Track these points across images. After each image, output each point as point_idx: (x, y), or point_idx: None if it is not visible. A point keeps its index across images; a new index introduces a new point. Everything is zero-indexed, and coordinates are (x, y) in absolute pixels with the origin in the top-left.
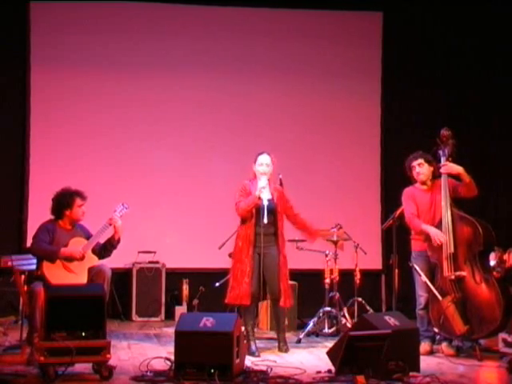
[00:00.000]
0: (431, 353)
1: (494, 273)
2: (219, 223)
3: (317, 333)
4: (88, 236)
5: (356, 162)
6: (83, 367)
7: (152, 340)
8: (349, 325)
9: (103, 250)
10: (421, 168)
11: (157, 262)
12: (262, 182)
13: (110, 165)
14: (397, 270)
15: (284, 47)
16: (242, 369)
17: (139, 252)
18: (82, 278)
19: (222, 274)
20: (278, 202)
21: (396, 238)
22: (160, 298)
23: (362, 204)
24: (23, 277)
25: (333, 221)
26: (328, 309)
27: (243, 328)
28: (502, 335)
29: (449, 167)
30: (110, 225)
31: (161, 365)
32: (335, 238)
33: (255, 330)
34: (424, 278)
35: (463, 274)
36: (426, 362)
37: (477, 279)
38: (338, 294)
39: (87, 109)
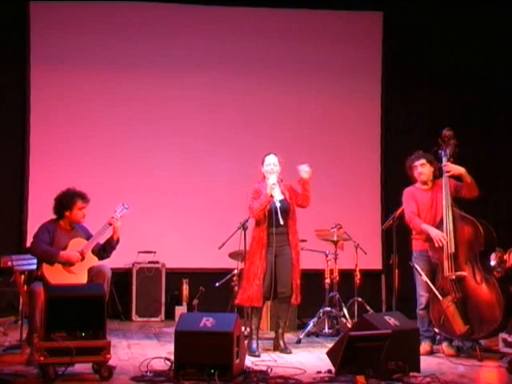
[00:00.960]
0: (431, 353)
1: (495, 273)
2: (219, 223)
3: (317, 333)
4: (88, 236)
5: (356, 162)
6: (83, 367)
7: (152, 340)
8: (349, 325)
9: (102, 251)
10: (423, 168)
11: (157, 262)
12: (272, 179)
13: (110, 164)
14: (397, 270)
15: (284, 47)
16: (242, 369)
17: (139, 252)
18: (81, 279)
19: (221, 273)
20: (291, 201)
21: (396, 238)
22: (160, 298)
23: (362, 204)
24: (23, 277)
25: (333, 221)
26: (328, 309)
27: (243, 328)
28: (503, 335)
29: (451, 167)
30: (110, 225)
31: (161, 365)
32: (335, 238)
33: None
34: (425, 277)
35: (464, 274)
36: (426, 362)
37: (477, 279)
38: (338, 294)
39: (87, 108)
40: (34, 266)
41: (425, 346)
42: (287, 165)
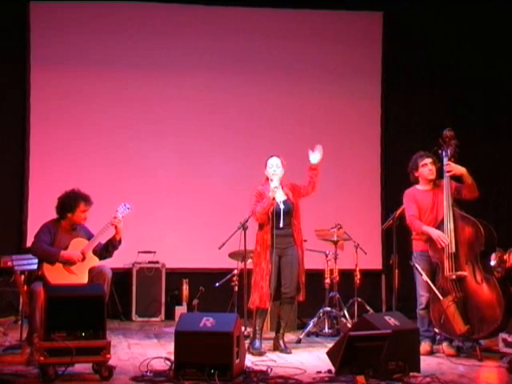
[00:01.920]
0: (431, 353)
1: (495, 273)
2: (219, 223)
3: (317, 333)
4: (89, 236)
5: (356, 162)
6: (83, 367)
7: (152, 340)
8: (349, 325)
9: (104, 251)
10: (432, 166)
11: (157, 262)
12: (274, 182)
13: (110, 165)
14: (397, 270)
15: (284, 47)
16: (242, 369)
17: (139, 252)
18: (82, 279)
19: (221, 273)
20: (294, 201)
21: (396, 238)
22: (160, 298)
23: (362, 204)
24: (23, 277)
25: (333, 221)
26: (328, 309)
27: (243, 328)
28: (503, 335)
29: (453, 167)
30: (112, 225)
31: (161, 365)
32: (335, 238)
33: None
34: (425, 277)
35: (464, 273)
36: (427, 362)
37: (478, 279)
38: (338, 294)
39: (87, 109)
40: (34, 266)
41: (425, 345)
42: (287, 164)
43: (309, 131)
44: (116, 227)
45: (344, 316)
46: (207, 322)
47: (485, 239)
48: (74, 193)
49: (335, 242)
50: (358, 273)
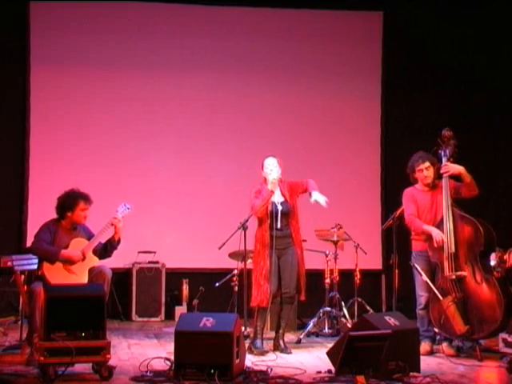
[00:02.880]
0: (431, 353)
1: (495, 273)
2: (219, 223)
3: (317, 333)
4: (90, 236)
5: (356, 162)
6: (83, 367)
7: (152, 340)
8: (349, 325)
9: (104, 251)
10: (428, 172)
11: (157, 262)
12: (273, 175)
13: (110, 165)
14: (397, 270)
15: (284, 47)
16: (242, 369)
17: (139, 252)
18: (82, 279)
19: (221, 273)
20: (291, 202)
21: (396, 238)
22: (160, 298)
23: (362, 204)
24: (23, 277)
25: (333, 221)
26: (328, 309)
27: (243, 328)
28: (503, 335)
29: (450, 167)
30: (112, 225)
31: (161, 365)
32: (335, 238)
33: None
34: (425, 277)
35: (464, 273)
36: (426, 362)
37: (477, 279)
38: (338, 294)
39: (87, 108)
40: (34, 266)
41: (425, 345)
42: (287, 164)
43: (309, 131)
44: (115, 227)
45: (344, 316)
46: (207, 321)
47: (484, 239)
48: (74, 192)
49: (335, 242)
50: (358, 273)
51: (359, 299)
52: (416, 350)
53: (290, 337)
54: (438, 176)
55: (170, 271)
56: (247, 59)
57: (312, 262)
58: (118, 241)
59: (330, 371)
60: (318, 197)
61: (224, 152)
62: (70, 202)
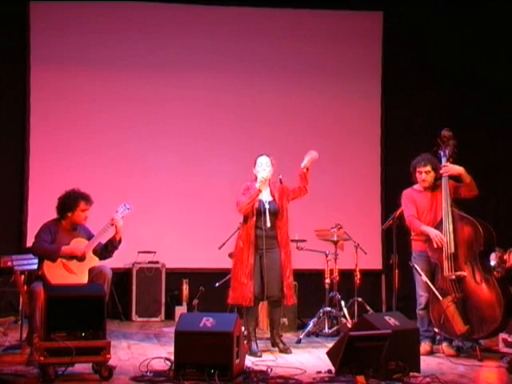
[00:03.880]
0: (431, 353)
1: (495, 273)
2: (219, 223)
3: (317, 333)
4: (90, 237)
5: (356, 162)
6: (83, 367)
7: (152, 340)
8: (349, 325)
9: (104, 251)
10: (427, 175)
11: (157, 262)
12: (262, 173)
13: (110, 165)
14: (397, 270)
15: (284, 47)
16: (242, 369)
17: (139, 252)
18: (82, 279)
19: (221, 273)
20: (280, 203)
21: (396, 237)
22: (160, 298)
23: (362, 204)
24: (23, 277)
25: (333, 221)
26: (328, 309)
27: (243, 328)
28: (502, 335)
29: (449, 168)
30: (112, 225)
31: (161, 365)
32: (335, 238)
33: (256, 330)
34: (424, 277)
35: (464, 274)
36: (426, 362)
37: (477, 279)
38: (338, 294)
39: (87, 109)
40: (34, 266)
41: (425, 346)
42: (287, 165)
43: (309, 131)
44: (116, 227)
45: (344, 316)
46: (207, 322)
47: (484, 239)
48: (74, 192)
49: (335, 242)
50: (358, 273)
51: (359, 299)
52: (416, 350)
53: (290, 337)
54: (438, 177)
55: (170, 271)
56: (247, 59)
57: (312, 261)
58: (119, 241)
59: (330, 371)
60: (305, 159)
61: (224, 152)
62: (70, 202)
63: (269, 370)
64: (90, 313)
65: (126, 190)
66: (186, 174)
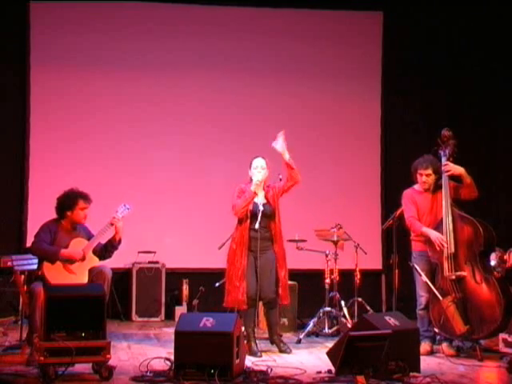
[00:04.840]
0: (431, 353)
1: (495, 273)
2: (219, 223)
3: (317, 333)
4: (90, 237)
5: (356, 162)
6: (83, 367)
7: (152, 340)
8: (349, 325)
9: (104, 251)
10: (428, 178)
11: (157, 262)
12: (258, 176)
13: (110, 165)
14: (397, 270)
15: (284, 47)
16: (242, 369)
17: (139, 252)
18: (82, 279)
19: (221, 274)
20: (274, 205)
21: (396, 237)
22: (160, 298)
23: (362, 204)
24: (23, 277)
25: (333, 221)
26: (328, 309)
27: (243, 329)
28: (503, 335)
29: (451, 167)
30: (112, 225)
31: (161, 365)
32: (335, 238)
33: (255, 330)
34: (424, 278)
35: (464, 274)
36: (427, 362)
37: (477, 279)
38: (338, 294)
39: (87, 109)
40: (34, 266)
41: (425, 345)
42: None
43: (309, 131)
44: (116, 227)
45: (344, 316)
46: (207, 322)
47: (484, 239)
48: (73, 191)
49: (335, 242)
50: (358, 273)
51: (359, 299)
52: (416, 350)
53: (290, 337)
54: (439, 177)
55: (170, 271)
56: (247, 59)
57: (312, 262)
58: (119, 241)
59: (330, 371)
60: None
61: (224, 152)
62: (69, 201)
63: (269, 370)
64: (90, 313)
65: (126, 190)
66: (187, 174)
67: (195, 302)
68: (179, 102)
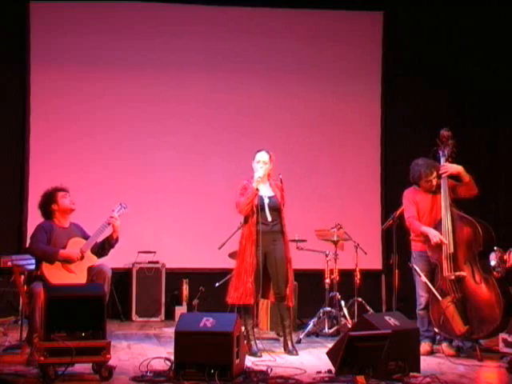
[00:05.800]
0: (431, 353)
1: (494, 273)
2: (219, 223)
3: (317, 333)
4: (84, 236)
5: (356, 161)
6: (83, 367)
7: (152, 340)
8: (349, 325)
9: (101, 249)
10: (435, 180)
11: (157, 262)
12: (259, 172)
13: (109, 164)
14: (397, 270)
15: (284, 47)
16: (242, 369)
17: (139, 252)
18: (81, 278)
19: (222, 273)
20: (281, 200)
21: (396, 237)
22: (160, 298)
23: (362, 204)
24: (23, 277)
25: (333, 221)
26: (328, 309)
27: (243, 328)
28: (502, 335)
29: (448, 167)
30: (109, 224)
31: (161, 365)
32: (335, 238)
33: (255, 329)
34: (424, 278)
35: (463, 274)
36: (427, 362)
37: (477, 279)
38: (338, 294)
39: (87, 109)
40: (34, 266)
41: (425, 345)
42: (287, 165)
43: (309, 131)
44: (113, 226)
45: (344, 316)
46: (207, 322)
47: (483, 239)
48: (47, 190)
49: (335, 242)
50: (358, 273)
51: (359, 299)
52: (416, 350)
53: None
54: (438, 177)
55: (170, 271)
56: (247, 59)
57: (312, 262)
58: (116, 239)
59: (330, 371)
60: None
61: (224, 152)
62: (48, 197)
63: (269, 370)
64: (90, 313)
65: (126, 190)
66: (187, 174)
67: (195, 302)
68: (179, 102)
